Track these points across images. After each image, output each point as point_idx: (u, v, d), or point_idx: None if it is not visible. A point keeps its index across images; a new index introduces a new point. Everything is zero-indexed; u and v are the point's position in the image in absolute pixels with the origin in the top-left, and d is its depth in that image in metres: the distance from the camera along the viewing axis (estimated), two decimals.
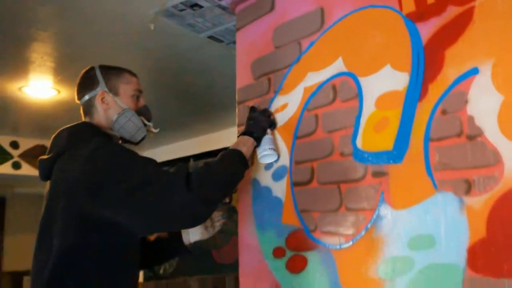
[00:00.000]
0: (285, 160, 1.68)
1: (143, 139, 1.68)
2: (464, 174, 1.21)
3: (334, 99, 1.55)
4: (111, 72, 1.65)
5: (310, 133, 1.61)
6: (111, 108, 1.61)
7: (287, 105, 1.70)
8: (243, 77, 1.91)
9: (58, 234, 1.43)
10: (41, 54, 2.74)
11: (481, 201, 1.18)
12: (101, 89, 1.60)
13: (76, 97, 1.68)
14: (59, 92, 3.43)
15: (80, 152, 1.44)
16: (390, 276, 1.33)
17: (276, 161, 1.70)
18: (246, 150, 1.58)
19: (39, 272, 1.45)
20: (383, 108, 1.41)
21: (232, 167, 1.50)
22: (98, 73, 1.63)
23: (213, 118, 4.23)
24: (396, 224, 1.33)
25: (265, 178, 1.73)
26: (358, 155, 1.45)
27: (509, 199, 1.13)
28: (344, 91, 1.52)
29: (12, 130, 4.87)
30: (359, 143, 1.46)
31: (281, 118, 1.72)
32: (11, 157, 5.17)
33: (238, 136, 1.67)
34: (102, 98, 1.60)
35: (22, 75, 3.08)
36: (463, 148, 1.22)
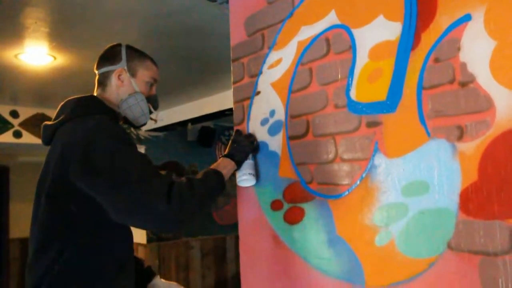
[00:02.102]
0: (280, 114, 1.66)
1: (143, 124, 1.72)
2: (456, 120, 1.21)
3: (327, 52, 1.52)
4: (135, 54, 1.69)
5: (304, 87, 1.59)
6: (125, 87, 1.64)
7: (281, 60, 1.68)
8: (236, 35, 1.88)
9: (44, 199, 1.45)
10: (34, 19, 2.68)
11: (473, 146, 1.17)
12: (121, 67, 1.64)
13: (95, 66, 1.70)
14: (55, 58, 3.38)
15: (81, 126, 1.46)
16: (385, 223, 1.34)
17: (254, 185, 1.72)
18: (226, 172, 1.59)
19: (33, 233, 1.49)
20: (376, 58, 1.39)
21: (210, 188, 1.51)
22: (123, 51, 1.67)
23: (208, 81, 4.19)
24: (391, 172, 1.33)
25: (261, 134, 1.73)
26: (352, 106, 1.44)
27: (500, 143, 1.12)
28: (337, 43, 1.50)
29: (11, 99, 4.82)
30: (353, 94, 1.44)
31: (275, 73, 1.70)
32: (12, 126, 5.14)
33: (220, 157, 1.68)
34: (119, 75, 1.64)
35: (17, 41, 3.02)
36: (455, 95, 1.21)
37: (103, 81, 1.67)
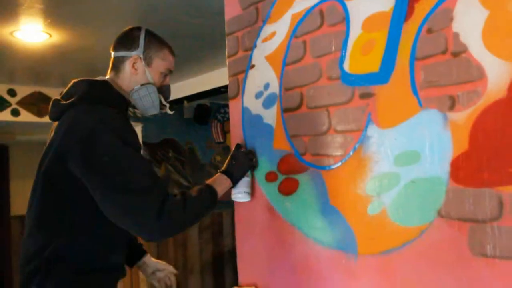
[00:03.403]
0: (274, 87, 1.65)
1: (153, 114, 1.68)
2: (448, 90, 1.20)
3: (321, 24, 1.50)
4: (154, 42, 1.62)
5: (298, 60, 1.57)
6: (138, 76, 1.59)
7: (275, 33, 1.66)
8: (231, 9, 1.85)
9: (41, 177, 1.45)
10: None
11: (464, 116, 1.17)
12: (136, 54, 1.58)
13: (111, 47, 1.64)
14: (50, 36, 3.33)
15: (89, 117, 1.42)
16: (378, 192, 1.34)
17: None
18: (220, 190, 1.56)
19: (30, 209, 1.49)
20: (370, 30, 1.37)
21: (202, 206, 1.49)
22: (142, 37, 1.60)
23: (204, 58, 4.14)
24: (383, 142, 1.33)
25: (256, 107, 1.71)
26: (346, 78, 1.43)
27: (491, 112, 1.12)
28: (331, 15, 1.48)
29: (8, 78, 4.76)
30: (346, 66, 1.43)
31: (269, 47, 1.68)
32: (10, 104, 5.10)
33: (218, 171, 1.64)
34: (134, 63, 1.59)
35: (12, 18, 2.97)
36: (448, 65, 1.20)
37: (117, 65, 1.61)
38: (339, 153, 1.44)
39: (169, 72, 1.67)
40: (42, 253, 1.41)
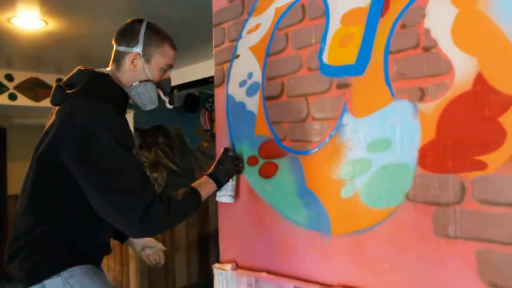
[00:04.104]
0: (257, 76, 1.64)
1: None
2: (418, 83, 1.20)
3: (303, 18, 1.49)
4: (154, 38, 1.53)
5: (280, 51, 1.56)
6: (137, 72, 1.53)
7: (259, 25, 1.64)
8: (218, 1, 1.82)
9: (35, 163, 1.42)
10: None
11: (432, 107, 1.17)
12: (136, 51, 1.51)
13: (113, 39, 1.56)
14: (46, 23, 3.25)
15: (87, 112, 1.37)
16: (351, 176, 1.34)
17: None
18: (205, 194, 1.54)
19: (24, 190, 1.47)
20: (348, 24, 1.37)
21: (186, 210, 1.47)
22: (142, 33, 1.52)
23: (192, 50, 4.09)
24: (357, 130, 1.33)
25: (239, 94, 1.70)
26: (324, 69, 1.42)
27: (457, 104, 1.13)
28: (312, 9, 1.46)
29: (6, 63, 4.66)
30: (325, 58, 1.42)
31: (254, 38, 1.66)
32: (7, 89, 5.00)
33: (205, 174, 1.61)
34: (133, 60, 1.52)
35: (10, 5, 2.89)
36: (419, 59, 1.20)
37: (118, 59, 1.54)
38: (316, 140, 1.44)
39: (169, 67, 1.60)
40: (31, 232, 1.39)
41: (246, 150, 1.67)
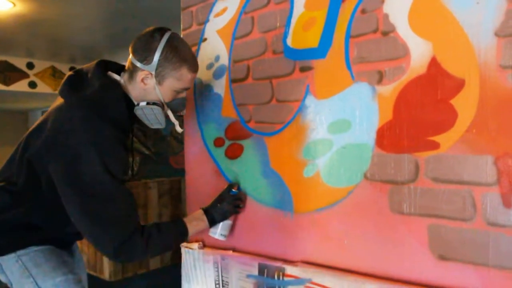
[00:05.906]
0: (224, 59, 1.62)
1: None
2: (377, 66, 1.21)
3: (268, 2, 1.48)
4: (171, 60, 1.31)
5: (246, 34, 1.54)
6: (147, 91, 1.35)
7: (226, 9, 1.62)
8: None
9: (25, 161, 1.33)
10: None
11: (390, 89, 1.19)
12: (148, 70, 1.31)
13: (130, 46, 1.36)
14: (14, 5, 3.13)
15: (85, 130, 1.24)
16: (313, 156, 1.35)
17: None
18: (193, 230, 1.44)
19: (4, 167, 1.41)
20: (311, 9, 1.36)
21: (168, 243, 1.39)
22: (159, 52, 1.30)
23: None
24: (319, 112, 1.34)
25: (207, 77, 1.68)
26: (288, 52, 1.42)
27: (413, 86, 1.15)
28: None
29: None
30: (289, 41, 1.42)
31: (221, 21, 1.64)
32: None
33: (201, 208, 1.51)
34: (144, 78, 1.33)
35: None
36: (377, 43, 1.21)
37: (131, 71, 1.35)
38: (280, 121, 1.44)
39: (185, 90, 1.41)
40: (4, 213, 1.34)
41: (213, 132, 1.66)
